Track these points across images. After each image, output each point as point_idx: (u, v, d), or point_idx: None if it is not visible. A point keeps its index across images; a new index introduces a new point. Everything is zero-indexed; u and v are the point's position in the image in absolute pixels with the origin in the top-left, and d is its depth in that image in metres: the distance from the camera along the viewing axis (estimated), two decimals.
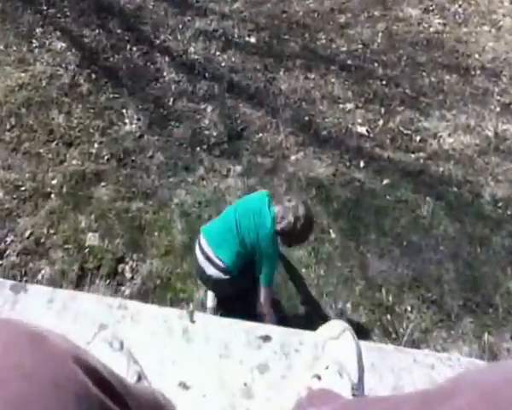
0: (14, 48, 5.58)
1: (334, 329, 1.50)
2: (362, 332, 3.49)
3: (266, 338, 1.72)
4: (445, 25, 6.42)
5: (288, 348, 1.69)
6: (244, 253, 3.16)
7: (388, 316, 3.71)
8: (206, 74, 5.41)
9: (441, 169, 4.80)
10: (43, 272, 3.82)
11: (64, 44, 5.65)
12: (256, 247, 3.11)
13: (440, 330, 3.71)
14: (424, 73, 5.75)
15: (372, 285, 3.85)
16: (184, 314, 1.75)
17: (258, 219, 3.11)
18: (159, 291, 3.73)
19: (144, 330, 1.71)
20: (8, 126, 4.77)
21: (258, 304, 3.20)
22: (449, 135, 5.11)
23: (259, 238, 3.09)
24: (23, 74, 5.27)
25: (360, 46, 6.03)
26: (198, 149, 4.73)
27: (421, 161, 4.86)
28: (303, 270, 3.84)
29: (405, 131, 5.12)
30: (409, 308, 3.77)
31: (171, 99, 5.14)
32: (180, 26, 6.05)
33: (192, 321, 1.74)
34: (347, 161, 4.73)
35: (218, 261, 3.21)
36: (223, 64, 5.54)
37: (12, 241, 3.99)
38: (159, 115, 5.00)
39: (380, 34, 6.22)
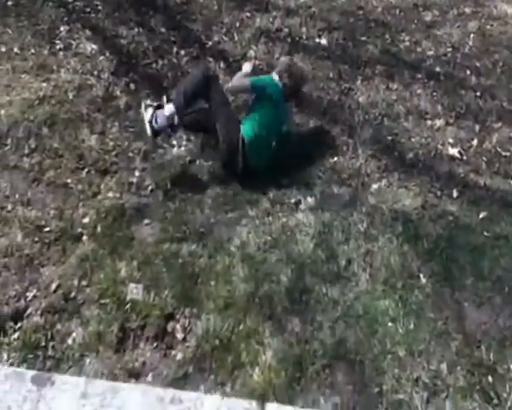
0: (33, 50, 5.65)
1: None
2: (459, 398, 3.60)
3: None
4: None
5: None
6: None
7: (489, 377, 3.80)
8: None
9: None
10: (73, 335, 3.64)
11: (95, 46, 5.77)
12: None
13: None
14: None
15: (470, 341, 3.94)
16: (254, 407, 1.65)
17: None
18: (217, 355, 3.63)
19: None
20: (26, 150, 4.78)
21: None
22: None
23: None
24: (44, 84, 5.32)
25: (449, 49, 6.17)
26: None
27: None
28: (389, 324, 3.95)
29: (504, 153, 5.20)
30: None
31: None
32: (237, 25, 6.28)
33: None
34: (438, 189, 4.85)
35: None
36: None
37: (34, 296, 3.82)
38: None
39: (471, 35, 6.34)
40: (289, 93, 5.01)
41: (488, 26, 6.43)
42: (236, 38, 6.08)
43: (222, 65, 5.80)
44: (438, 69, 5.94)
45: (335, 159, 5.04)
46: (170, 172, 4.80)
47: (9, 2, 6.13)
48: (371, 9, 6.65)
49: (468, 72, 5.93)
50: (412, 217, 4.62)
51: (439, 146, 5.21)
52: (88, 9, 6.16)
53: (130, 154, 4.88)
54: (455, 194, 4.83)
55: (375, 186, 4.86)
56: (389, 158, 5.06)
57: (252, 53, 5.95)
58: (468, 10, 6.71)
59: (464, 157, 5.13)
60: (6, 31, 5.79)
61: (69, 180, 4.61)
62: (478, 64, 6.02)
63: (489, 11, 6.62)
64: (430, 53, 6.13)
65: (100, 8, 6.20)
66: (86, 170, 4.70)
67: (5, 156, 4.72)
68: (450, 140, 5.25)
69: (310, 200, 4.73)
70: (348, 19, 6.48)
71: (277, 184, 4.84)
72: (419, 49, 6.16)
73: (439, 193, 4.83)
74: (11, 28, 5.82)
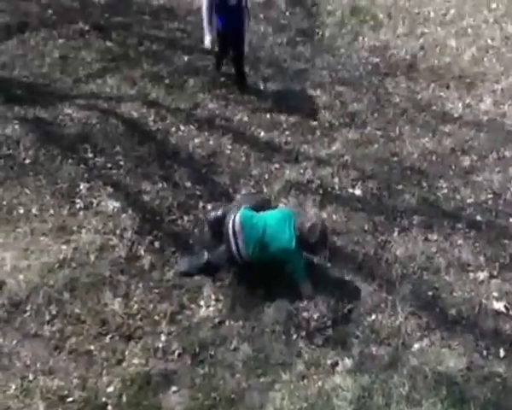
0: (52, 211, 5.87)
1: None
2: None
3: None
4: None
5: None
6: None
7: None
8: None
9: None
10: None
11: (117, 204, 5.98)
12: None
13: None
14: None
15: None
16: None
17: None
18: None
19: None
20: (47, 317, 4.94)
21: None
22: None
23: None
24: (64, 247, 5.49)
25: (490, 196, 6.42)
26: (295, 336, 5.00)
27: None
28: None
29: None
30: None
31: (257, 272, 5.36)
32: (266, 177, 6.59)
33: None
34: (484, 348, 4.93)
35: None
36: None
37: None
38: (243, 293, 5.27)
39: None
40: (316, 249, 5.35)
41: None
42: (265, 191, 6.35)
43: None
44: (479, 218, 6.15)
45: (373, 317, 5.16)
46: (198, 335, 4.93)
47: (27, 161, 6.44)
48: (406, 156, 6.97)
49: (511, 219, 6.13)
50: (457, 379, 4.69)
51: (483, 300, 5.32)
52: (109, 165, 6.44)
53: (156, 317, 5.03)
54: (502, 353, 4.91)
55: (416, 346, 4.95)
56: (430, 315, 5.17)
57: (281, 205, 6.13)
58: (508, 154, 7.01)
59: (510, 312, 5.22)
60: (24, 191, 6.07)
61: (92, 347, 4.76)
62: None
63: None
64: (470, 200, 6.36)
65: (122, 163, 6.50)
66: (110, 336, 4.86)
67: (25, 324, 4.91)
68: (495, 294, 5.37)
69: (347, 361, 4.83)
70: (383, 166, 6.79)
71: (313, 344, 4.95)
72: (458, 197, 6.40)
73: (484, 352, 4.91)
74: (29, 188, 6.10)
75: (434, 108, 7.90)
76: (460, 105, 7.95)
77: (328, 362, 4.83)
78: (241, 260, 5.20)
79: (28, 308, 5.02)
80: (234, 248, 5.15)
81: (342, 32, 9.69)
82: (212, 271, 5.35)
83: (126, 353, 4.77)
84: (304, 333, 5.03)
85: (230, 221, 5.19)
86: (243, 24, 7.48)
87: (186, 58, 8.69)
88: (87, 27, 9.19)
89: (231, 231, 5.15)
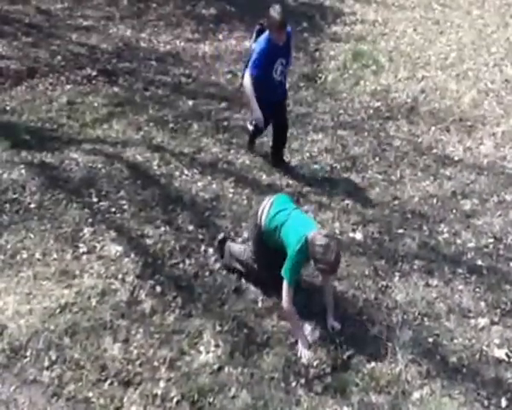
0: (55, 255, 5.84)
1: None
2: None
3: None
4: None
5: None
6: None
7: None
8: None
9: None
10: None
11: (120, 248, 5.96)
12: None
13: None
14: None
15: None
16: None
17: None
18: None
19: None
20: (46, 363, 4.87)
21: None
22: None
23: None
24: (66, 291, 5.46)
25: (491, 241, 6.30)
26: (294, 383, 4.88)
27: None
28: None
29: None
30: None
31: (258, 319, 5.37)
32: None
33: None
34: (485, 398, 4.77)
35: None
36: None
37: None
38: (242, 339, 5.17)
39: None
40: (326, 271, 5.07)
41: None
42: None
43: None
44: (480, 262, 6.03)
45: (373, 364, 5.02)
46: (197, 381, 4.82)
47: (32, 205, 6.44)
48: (407, 199, 6.90)
49: None
50: None
51: (485, 348, 5.18)
52: (113, 209, 6.44)
53: (155, 363, 4.93)
54: (503, 403, 4.75)
55: (416, 395, 4.80)
56: (431, 362, 5.04)
57: None
58: (508, 198, 6.92)
59: None
60: (28, 235, 6.05)
61: (90, 394, 4.66)
62: None
63: None
64: (471, 245, 6.25)
65: (125, 207, 6.49)
66: (109, 382, 4.76)
67: (24, 370, 4.82)
68: (496, 341, 5.24)
69: None
70: (383, 210, 6.72)
71: (312, 392, 4.82)
72: (459, 241, 6.30)
73: (486, 402, 4.75)
74: (33, 232, 6.08)
75: (435, 151, 7.85)
76: (461, 148, 7.90)
77: None
78: (258, 226, 5.36)
79: (28, 354, 4.94)
80: (260, 210, 5.37)
81: (344, 76, 9.73)
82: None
83: (125, 400, 4.66)
84: (303, 380, 4.90)
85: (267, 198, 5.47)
86: (286, 94, 7.42)
87: (191, 103, 8.74)
88: (94, 73, 9.32)
89: (264, 202, 5.40)
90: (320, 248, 4.79)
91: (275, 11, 6.38)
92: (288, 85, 7.49)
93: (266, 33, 6.58)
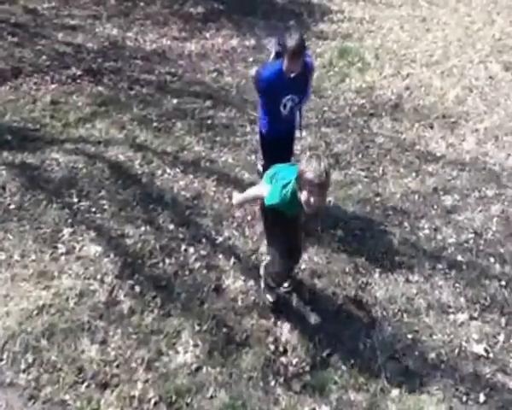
0: (33, 257, 5.74)
1: None
2: None
3: None
4: None
5: None
6: None
7: None
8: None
9: None
10: None
11: (99, 248, 5.86)
12: None
13: None
14: None
15: None
16: None
17: None
18: None
19: None
20: (23, 366, 4.79)
21: None
22: None
23: None
24: (44, 292, 5.36)
25: (471, 236, 6.26)
26: (273, 383, 4.82)
27: None
28: None
29: None
30: None
31: (238, 317, 5.30)
32: (248, 218, 6.43)
33: None
34: (463, 393, 4.73)
35: None
36: (302, 267, 5.80)
37: None
38: (221, 339, 5.10)
39: (494, 220, 6.48)
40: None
41: None
42: (248, 233, 6.21)
43: (232, 262, 5.85)
44: (459, 258, 5.98)
45: (352, 361, 4.96)
46: (174, 382, 4.74)
47: (12, 206, 6.33)
48: (389, 196, 6.83)
49: (492, 259, 5.97)
50: None
51: (463, 343, 5.14)
52: (93, 209, 6.34)
53: (133, 364, 4.86)
54: (481, 398, 4.72)
55: (395, 392, 4.76)
56: (410, 359, 4.99)
57: (264, 249, 5.93)
58: (490, 193, 6.87)
59: (491, 354, 5.05)
60: (7, 236, 5.94)
61: (67, 396, 4.59)
62: (502, 250, 6.08)
63: None
64: (451, 240, 6.20)
65: (106, 207, 6.39)
66: (86, 384, 4.68)
67: (0, 372, 4.73)
68: (475, 336, 5.20)
69: (325, 408, 4.64)
70: (365, 206, 6.65)
71: (290, 391, 4.77)
72: (439, 237, 6.24)
73: (464, 398, 4.71)
74: (12, 234, 5.98)
75: (418, 147, 7.78)
76: (443, 144, 7.84)
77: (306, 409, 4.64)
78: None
79: (5, 356, 4.85)
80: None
81: (330, 74, 9.65)
82: None
83: (102, 402, 4.58)
84: (282, 379, 4.84)
85: None
86: (293, 133, 6.38)
87: (175, 101, 8.65)
88: (79, 72, 9.22)
89: None
90: (305, 163, 4.23)
91: (290, 37, 5.20)
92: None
93: (280, 60, 5.47)
